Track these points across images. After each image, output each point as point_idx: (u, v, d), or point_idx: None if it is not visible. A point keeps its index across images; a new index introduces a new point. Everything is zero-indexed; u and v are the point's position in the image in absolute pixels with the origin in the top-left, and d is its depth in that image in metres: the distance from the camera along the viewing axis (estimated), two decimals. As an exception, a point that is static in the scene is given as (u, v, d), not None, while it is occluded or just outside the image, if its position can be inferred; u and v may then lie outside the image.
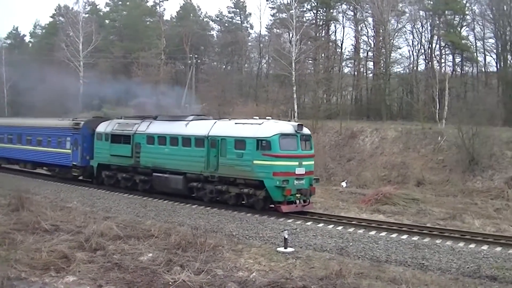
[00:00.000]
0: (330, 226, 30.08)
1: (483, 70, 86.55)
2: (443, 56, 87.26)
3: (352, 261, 24.99)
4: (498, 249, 25.55)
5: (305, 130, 34.07)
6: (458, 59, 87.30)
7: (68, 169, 48.09)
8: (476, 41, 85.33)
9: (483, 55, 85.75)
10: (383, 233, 28.54)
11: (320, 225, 30.42)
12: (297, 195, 32.75)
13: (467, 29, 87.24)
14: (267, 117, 35.71)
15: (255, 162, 32.48)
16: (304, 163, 33.09)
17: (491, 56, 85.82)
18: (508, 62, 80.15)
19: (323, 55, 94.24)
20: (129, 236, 27.73)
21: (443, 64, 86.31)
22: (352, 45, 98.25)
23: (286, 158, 32.39)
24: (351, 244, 27.33)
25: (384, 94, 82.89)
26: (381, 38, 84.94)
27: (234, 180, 34.18)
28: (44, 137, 51.36)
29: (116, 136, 42.55)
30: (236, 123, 35.10)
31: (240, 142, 33.31)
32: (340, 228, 29.81)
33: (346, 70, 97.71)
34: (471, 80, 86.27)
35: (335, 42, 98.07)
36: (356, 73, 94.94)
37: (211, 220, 32.70)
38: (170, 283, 20.43)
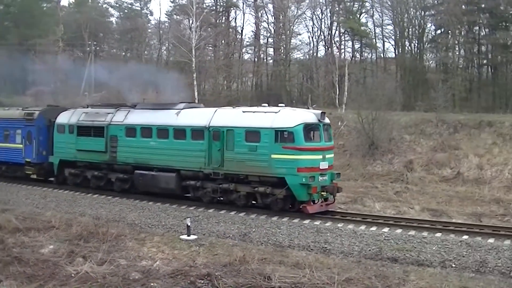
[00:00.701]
0: (233, 213, 30.06)
1: (382, 56, 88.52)
2: (343, 42, 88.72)
3: (255, 247, 25.30)
4: (399, 231, 26.11)
5: (326, 119, 30.63)
6: (357, 45, 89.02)
7: (20, 166, 41.13)
8: (375, 27, 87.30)
9: (382, 41, 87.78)
10: (285, 218, 28.68)
11: (222, 211, 30.38)
12: (322, 193, 29.28)
13: (366, 16, 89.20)
14: (279, 104, 31.79)
15: (273, 156, 28.51)
16: (327, 156, 29.67)
17: (390, 43, 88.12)
18: (406, 48, 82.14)
19: (223, 41, 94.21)
20: (29, 228, 27.01)
21: (342, 50, 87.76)
22: (252, 31, 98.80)
23: (311, 152, 28.75)
24: (253, 230, 27.54)
25: (285, 80, 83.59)
26: (281, 25, 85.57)
27: (245, 178, 29.99)
28: None
29: (84, 128, 36.52)
30: (244, 111, 30.68)
31: (252, 134, 29.22)
32: (242, 214, 29.81)
33: (246, 56, 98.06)
34: (370, 66, 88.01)
35: (235, 29, 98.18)
36: (256, 59, 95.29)
37: (113, 209, 32.43)
38: (73, 275, 20.00)
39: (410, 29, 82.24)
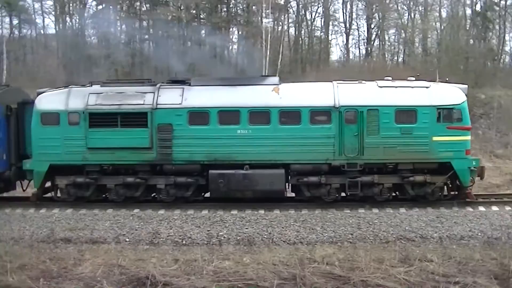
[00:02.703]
0: None
1: (42, 32, 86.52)
2: (0, 18, 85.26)
3: None
4: (69, 210, 25.95)
5: None
6: (16, 21, 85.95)
7: None
8: (34, 2, 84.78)
9: (42, 17, 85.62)
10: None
11: None
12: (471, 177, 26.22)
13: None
14: (409, 78, 27.19)
15: (435, 139, 25.28)
16: None
17: (50, 18, 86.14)
18: (67, 24, 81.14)
19: None
20: None
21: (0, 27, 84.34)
22: None
23: (470, 131, 26.55)
24: None
25: None
26: None
27: (395, 167, 26.01)
28: None
29: (104, 115, 26.23)
30: (381, 86, 26.20)
31: (406, 113, 25.48)
32: None
33: None
34: (30, 42, 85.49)
35: None
36: None
37: None
38: None
39: (71, 4, 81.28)
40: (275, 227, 23.49)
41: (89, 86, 27.47)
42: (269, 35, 63.94)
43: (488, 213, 25.03)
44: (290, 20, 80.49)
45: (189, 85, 26.97)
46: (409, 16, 79.70)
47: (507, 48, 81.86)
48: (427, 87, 25.97)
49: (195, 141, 25.91)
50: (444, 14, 79.62)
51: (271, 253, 20.84)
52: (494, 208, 25.77)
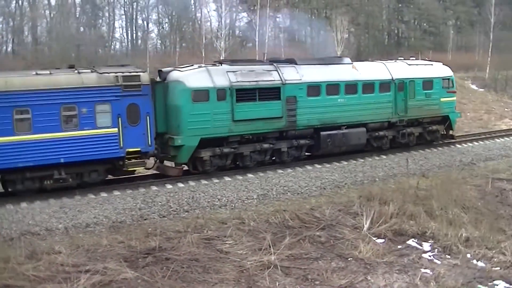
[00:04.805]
0: None
1: None
2: None
3: None
4: None
5: None
6: None
7: (109, 163, 26.79)
8: None
9: None
10: None
11: None
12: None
13: None
14: (411, 57, 39.54)
15: (442, 100, 36.73)
16: None
17: None
18: None
19: None
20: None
21: None
22: None
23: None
24: None
25: None
26: None
27: (421, 121, 36.54)
28: (37, 110, 24.44)
29: (246, 91, 29.54)
30: (410, 64, 36.71)
31: (428, 83, 36.20)
32: None
33: None
34: None
35: None
36: None
37: None
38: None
39: None
40: None
41: (218, 65, 30.44)
42: None
43: (110, 198, 25.57)
44: None
45: (296, 63, 32.15)
46: (17, 4, 77.97)
47: (117, 35, 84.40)
48: (432, 65, 37.85)
49: (311, 109, 31.63)
50: (53, 2, 79.25)
51: None
52: (116, 192, 26.34)
